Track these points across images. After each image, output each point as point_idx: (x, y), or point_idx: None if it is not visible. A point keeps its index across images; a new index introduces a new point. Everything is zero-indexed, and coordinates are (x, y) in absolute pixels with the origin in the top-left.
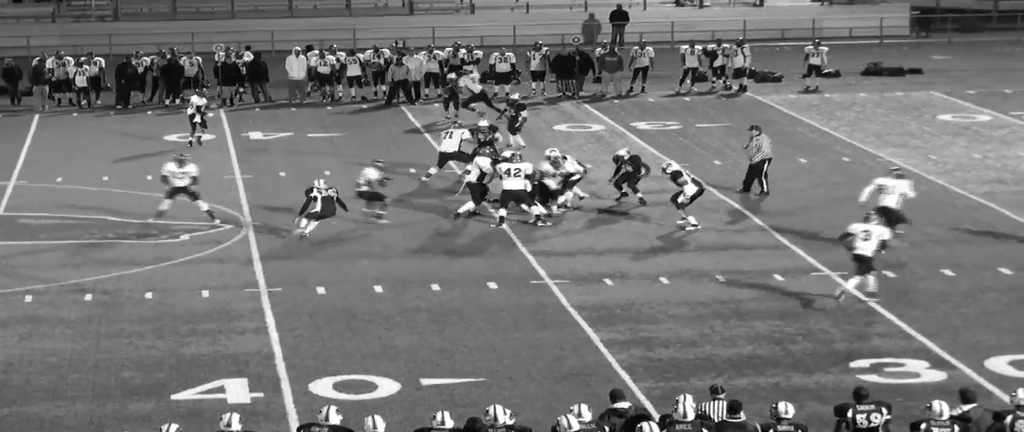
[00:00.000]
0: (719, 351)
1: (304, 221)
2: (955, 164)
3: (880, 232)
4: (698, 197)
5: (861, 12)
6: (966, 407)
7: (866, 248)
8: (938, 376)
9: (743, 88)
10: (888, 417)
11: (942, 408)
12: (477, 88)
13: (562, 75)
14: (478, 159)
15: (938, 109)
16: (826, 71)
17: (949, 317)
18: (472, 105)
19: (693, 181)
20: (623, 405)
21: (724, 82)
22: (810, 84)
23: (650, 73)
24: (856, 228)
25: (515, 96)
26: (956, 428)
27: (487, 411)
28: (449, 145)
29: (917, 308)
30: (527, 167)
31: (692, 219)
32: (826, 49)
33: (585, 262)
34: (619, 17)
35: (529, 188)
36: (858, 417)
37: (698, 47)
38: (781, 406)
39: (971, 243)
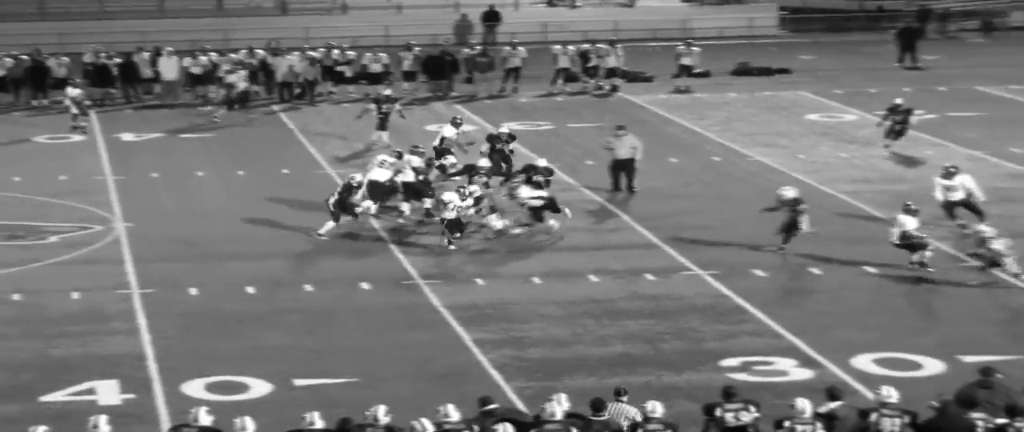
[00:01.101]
0: (591, 350)
1: (406, 208)
2: (822, 163)
3: (903, 221)
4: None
5: (731, 12)
6: (832, 405)
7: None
8: (806, 374)
9: (615, 88)
10: (757, 415)
11: (805, 406)
12: (242, 86)
13: (433, 75)
14: (409, 157)
15: (806, 109)
16: (697, 71)
17: (816, 315)
18: (236, 106)
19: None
20: (492, 406)
21: (596, 82)
22: (681, 84)
23: (522, 73)
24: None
25: (387, 91)
26: (819, 426)
27: (366, 413)
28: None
29: (786, 307)
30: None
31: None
32: (697, 49)
33: (456, 262)
34: (491, 18)
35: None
36: (726, 415)
37: (570, 47)
38: (649, 405)
39: (837, 241)
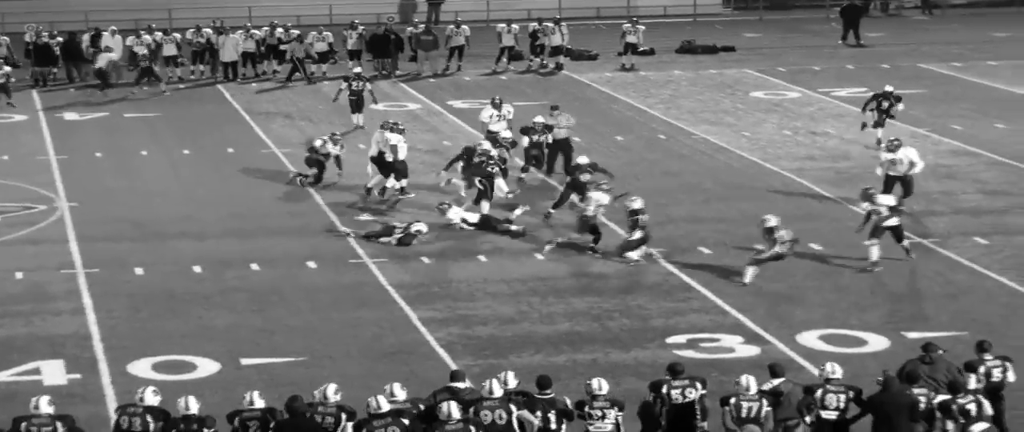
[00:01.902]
0: (538, 328)
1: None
2: (767, 141)
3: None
4: None
5: None
6: (775, 381)
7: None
8: (752, 351)
9: (560, 66)
10: (703, 392)
11: (750, 382)
12: (99, 64)
13: (378, 54)
14: (388, 135)
15: (750, 86)
16: (642, 49)
17: (762, 293)
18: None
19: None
20: (459, 385)
21: (541, 61)
22: (626, 62)
23: (466, 52)
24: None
25: (358, 70)
26: (764, 402)
27: (316, 391)
28: (497, 125)
29: (731, 284)
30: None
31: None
32: (642, 27)
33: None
34: None
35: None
36: (673, 392)
37: (514, 25)
38: (594, 382)
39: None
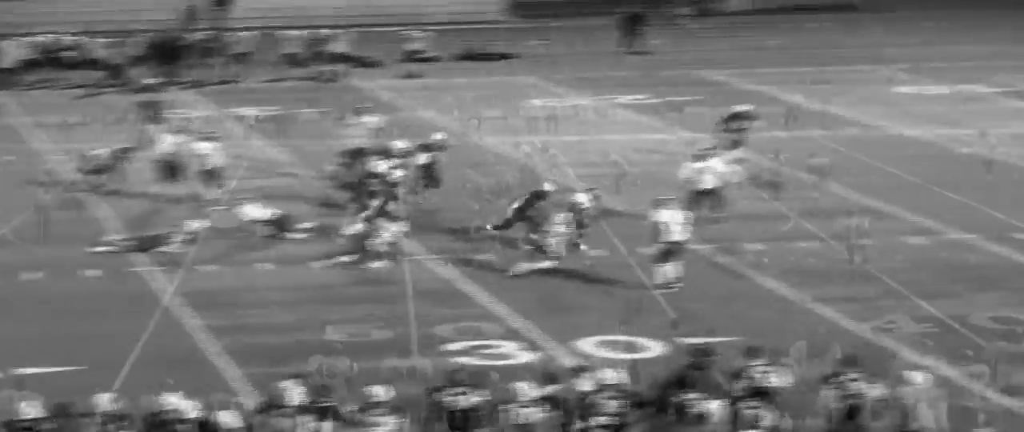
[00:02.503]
0: (319, 336)
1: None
2: (551, 147)
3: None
4: None
5: None
6: (552, 387)
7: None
8: (530, 357)
9: (342, 73)
10: (481, 398)
11: (525, 389)
12: None
13: (161, 61)
14: (199, 144)
15: (533, 93)
16: (426, 56)
17: (541, 299)
18: None
19: None
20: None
21: (324, 68)
22: (409, 69)
23: (250, 58)
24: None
25: (149, 80)
26: (540, 408)
27: (90, 399)
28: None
29: (511, 290)
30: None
31: None
32: (426, 34)
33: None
34: (220, 2)
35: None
36: (450, 399)
37: (298, 32)
38: (373, 390)
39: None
